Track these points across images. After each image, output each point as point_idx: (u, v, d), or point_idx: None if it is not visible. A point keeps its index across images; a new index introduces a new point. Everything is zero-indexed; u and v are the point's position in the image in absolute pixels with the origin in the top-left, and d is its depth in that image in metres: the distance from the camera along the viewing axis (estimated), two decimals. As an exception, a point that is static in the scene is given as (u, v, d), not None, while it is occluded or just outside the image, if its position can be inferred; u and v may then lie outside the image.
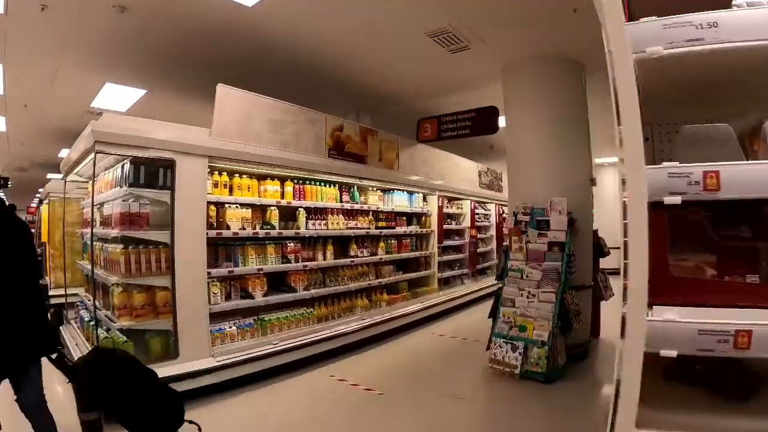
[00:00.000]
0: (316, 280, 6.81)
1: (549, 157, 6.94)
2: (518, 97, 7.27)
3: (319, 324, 6.61)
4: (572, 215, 6.55)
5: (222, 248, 6.02)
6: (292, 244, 6.43)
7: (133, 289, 4.96)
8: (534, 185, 6.93)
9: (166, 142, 4.97)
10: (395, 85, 8.25)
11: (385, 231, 8.17)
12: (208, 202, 5.49)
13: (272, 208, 6.31)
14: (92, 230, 5.48)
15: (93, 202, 5.56)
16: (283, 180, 6.51)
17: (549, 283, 6.33)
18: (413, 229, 9.07)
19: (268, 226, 6.22)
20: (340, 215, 7.25)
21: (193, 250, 5.15)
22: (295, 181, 6.64)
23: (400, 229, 8.65)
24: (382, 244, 8.14)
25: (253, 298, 5.94)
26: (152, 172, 5.00)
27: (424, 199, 9.69)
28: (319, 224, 6.87)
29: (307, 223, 6.71)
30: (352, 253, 7.52)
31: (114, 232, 4.93)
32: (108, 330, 5.16)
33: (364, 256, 7.70)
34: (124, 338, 4.95)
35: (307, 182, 6.80)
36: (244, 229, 5.91)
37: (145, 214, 4.95)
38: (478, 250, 11.88)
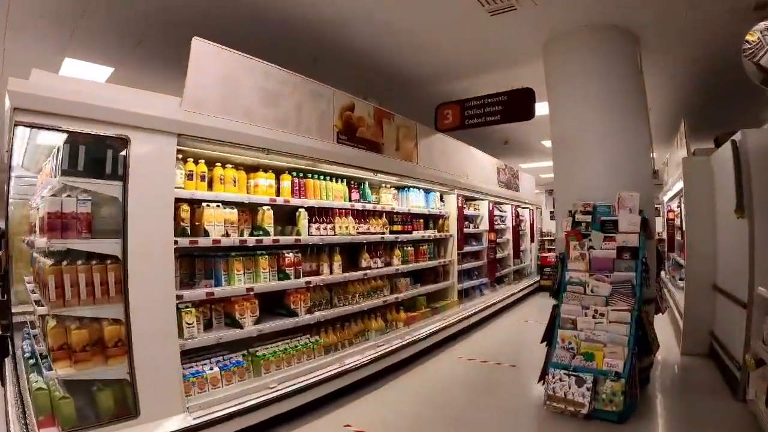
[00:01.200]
0: (321, 300, 5.33)
1: (608, 143, 5.65)
2: (567, 74, 5.97)
3: (327, 356, 5.13)
4: (644, 214, 5.20)
5: (200, 261, 4.57)
6: (291, 254, 4.96)
7: (71, 322, 3.47)
8: (592, 177, 5.60)
9: (117, 112, 3.48)
10: (411, 60, 6.85)
11: (400, 236, 6.71)
12: (179, 199, 4.03)
13: (265, 208, 4.83)
14: (29, 238, 4.00)
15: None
16: (278, 172, 5.04)
17: (621, 298, 4.98)
18: (431, 233, 7.61)
19: (260, 232, 4.74)
20: (350, 217, 5.79)
21: (155, 266, 3.66)
22: (294, 174, 5.18)
23: (418, 234, 7.20)
24: (397, 252, 6.68)
25: (241, 327, 4.45)
26: (96, 155, 3.52)
27: (441, 198, 8.26)
28: (325, 229, 5.40)
29: (309, 227, 5.25)
30: (364, 263, 6.06)
31: (41, 241, 3.44)
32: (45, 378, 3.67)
33: (377, 267, 6.24)
34: (61, 393, 3.46)
35: (310, 176, 5.36)
36: (227, 235, 4.42)
37: (85, 214, 3.44)
38: (497, 256, 10.47)
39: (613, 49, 5.72)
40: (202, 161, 4.34)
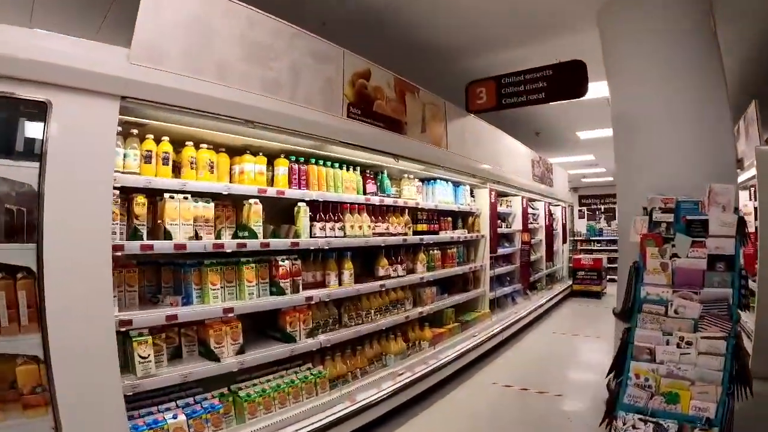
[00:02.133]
0: (327, 319, 4.23)
1: (684, 122, 4.47)
2: (631, 37, 4.79)
3: (333, 391, 4.02)
4: (739, 212, 4.04)
5: (167, 271, 3.54)
6: (286, 261, 3.85)
7: (-35, 360, 2.43)
8: (666, 165, 4.48)
9: (33, 66, 2.40)
10: (438, 26, 5.73)
11: (426, 237, 5.58)
12: (131, 189, 3.04)
13: (252, 202, 3.74)
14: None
15: None
16: (272, 157, 3.96)
17: (713, 321, 3.80)
18: (460, 234, 6.46)
19: (245, 233, 3.64)
20: (364, 214, 4.69)
21: (85, 281, 2.58)
22: (293, 159, 4.10)
23: (446, 235, 6.06)
24: (422, 256, 5.55)
25: (218, 359, 3.37)
26: (1, 126, 2.46)
27: (471, 193, 7.12)
28: (332, 229, 4.29)
29: (312, 227, 4.15)
30: (381, 272, 4.93)
31: None
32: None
33: (398, 276, 5.12)
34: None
35: (313, 161, 4.27)
36: (197, 237, 3.35)
37: (-23, 209, 2.40)
38: (531, 259, 9.29)
39: (684, 9, 4.55)
40: (166, 139, 3.27)
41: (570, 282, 12.82)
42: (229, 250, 3.48)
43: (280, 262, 3.80)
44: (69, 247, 2.50)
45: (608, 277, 12.93)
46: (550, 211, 11.18)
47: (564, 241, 13.20)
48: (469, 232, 6.77)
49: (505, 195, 8.78)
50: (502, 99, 5.84)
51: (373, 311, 4.69)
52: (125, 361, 2.95)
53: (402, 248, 5.27)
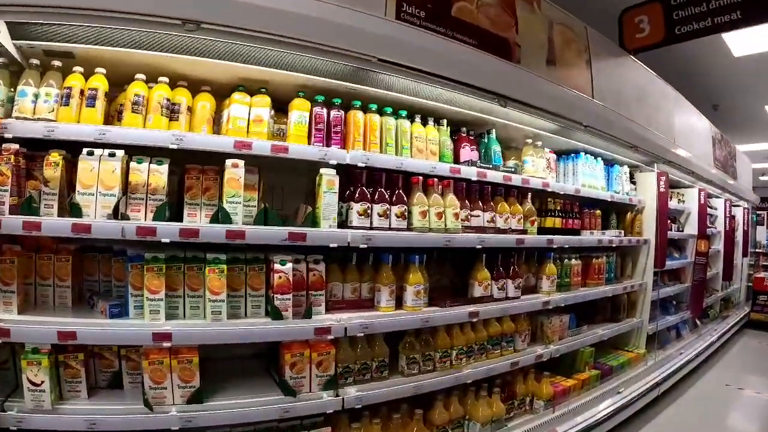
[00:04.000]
0: (367, 362, 2.50)
1: None
2: None
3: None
4: None
5: (119, 265, 2.17)
6: (287, 265, 2.21)
7: None
8: None
9: None
10: None
11: (558, 239, 3.58)
12: (35, 144, 2.04)
13: (229, 164, 2.16)
14: None
15: None
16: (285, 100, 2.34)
17: None
18: (614, 236, 4.31)
19: (220, 216, 2.05)
20: (450, 196, 2.86)
21: None
22: (320, 100, 2.45)
23: (592, 236, 4.01)
24: (550, 267, 3.56)
25: (150, 407, 1.92)
26: None
27: (632, 178, 4.93)
28: (385, 215, 2.53)
29: (347, 211, 2.46)
30: (477, 290, 3.06)
31: None
32: None
33: (505, 298, 3.23)
34: None
35: (357, 105, 2.58)
36: (118, 216, 1.92)
37: None
38: (707, 277, 6.74)
39: None
40: (101, 72, 2.08)
41: (747, 309, 9.82)
42: (165, 240, 1.89)
43: (277, 266, 2.13)
44: None
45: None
46: (731, 211, 8.36)
47: (744, 254, 10.10)
48: (625, 234, 4.63)
49: (677, 186, 6.37)
50: (675, 27, 4.04)
51: (455, 352, 2.86)
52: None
53: (515, 253, 3.34)
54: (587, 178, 4.02)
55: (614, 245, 4.31)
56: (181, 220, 2.08)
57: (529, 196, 3.47)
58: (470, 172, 2.97)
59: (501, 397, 3.15)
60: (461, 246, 2.90)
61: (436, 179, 2.81)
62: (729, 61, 6.42)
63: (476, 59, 2.84)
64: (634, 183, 4.90)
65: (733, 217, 8.51)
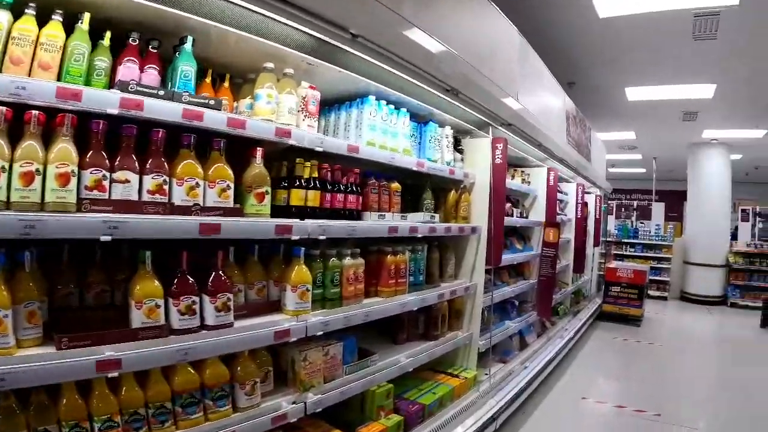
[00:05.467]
0: None
1: None
2: None
3: None
4: None
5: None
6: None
7: None
8: None
9: None
10: None
11: (306, 225, 2.26)
12: None
13: None
14: None
15: None
16: None
17: None
18: (424, 222, 3.09)
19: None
20: (59, 146, 1.43)
21: None
22: None
23: (381, 222, 2.76)
24: (299, 271, 2.23)
25: None
26: None
27: (457, 144, 3.78)
28: None
29: None
30: (137, 317, 1.67)
31: None
32: None
33: (195, 330, 1.84)
34: None
35: None
36: None
37: None
38: (556, 271, 5.91)
39: None
40: None
41: (599, 301, 9.49)
42: None
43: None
44: None
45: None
46: (583, 198, 7.78)
47: (596, 243, 9.77)
48: (446, 219, 3.49)
49: (522, 166, 5.47)
50: None
51: (99, 425, 1.45)
52: None
53: (222, 250, 1.99)
54: (378, 135, 2.79)
55: (424, 235, 3.11)
56: None
57: (260, 154, 2.11)
58: (103, 100, 1.55)
59: None
60: (67, 236, 1.48)
61: (35, 113, 1.37)
62: (592, 24, 5.64)
63: None
64: (461, 152, 3.77)
65: (585, 204, 7.95)
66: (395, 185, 2.95)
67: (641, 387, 5.58)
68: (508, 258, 4.50)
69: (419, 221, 3.03)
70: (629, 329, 8.82)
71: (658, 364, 6.65)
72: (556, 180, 5.58)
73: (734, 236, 13.05)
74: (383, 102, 2.90)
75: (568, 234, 7.35)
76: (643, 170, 17.63)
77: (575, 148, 6.61)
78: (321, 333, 2.33)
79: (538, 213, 5.52)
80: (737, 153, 13.03)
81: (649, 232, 14.11)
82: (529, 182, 5.48)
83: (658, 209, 14.73)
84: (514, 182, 4.81)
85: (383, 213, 2.79)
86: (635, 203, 19.55)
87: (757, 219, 13.44)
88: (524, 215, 5.25)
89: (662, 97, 8.55)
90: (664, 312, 11.12)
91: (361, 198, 2.71)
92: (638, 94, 8.46)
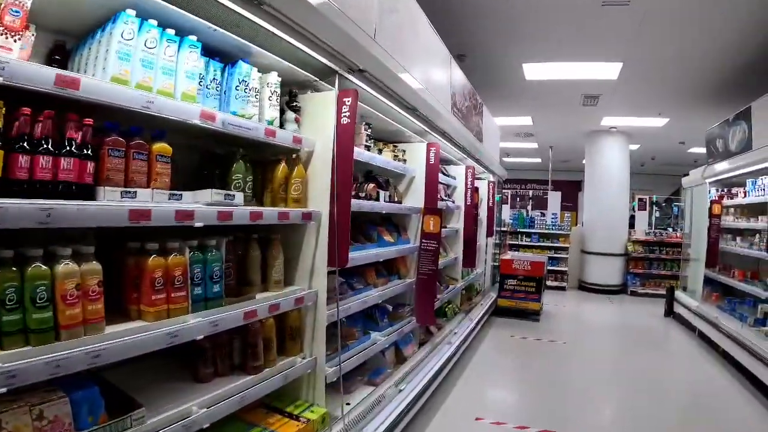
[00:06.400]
0: None
1: None
2: None
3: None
4: None
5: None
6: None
7: None
8: None
9: None
10: None
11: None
12: None
13: None
14: None
15: None
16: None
17: None
18: (209, 206, 2.10)
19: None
20: None
21: None
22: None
23: (106, 207, 1.73)
24: None
25: None
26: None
27: (291, 101, 2.82)
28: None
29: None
30: None
31: None
32: None
33: None
34: None
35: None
36: None
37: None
38: (440, 267, 5.11)
39: None
40: None
41: (494, 295, 8.97)
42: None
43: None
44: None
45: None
46: (473, 183, 7.12)
47: (490, 234, 9.23)
48: (274, 204, 2.54)
49: (394, 141, 4.62)
50: None
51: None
52: None
53: None
54: (137, 68, 1.83)
55: (227, 224, 2.11)
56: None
57: None
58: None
59: None
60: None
61: None
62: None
63: None
64: (297, 110, 2.81)
65: (476, 190, 7.30)
66: (160, 146, 1.92)
67: (545, 399, 4.96)
68: (371, 254, 3.61)
69: (203, 203, 2.02)
70: (528, 325, 8.36)
71: (562, 367, 6.11)
72: (437, 158, 4.78)
73: (631, 225, 13.22)
74: (152, 22, 1.88)
75: (457, 223, 6.66)
76: (539, 160, 17.69)
77: (462, 122, 5.85)
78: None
79: (416, 198, 4.71)
80: (635, 143, 13.21)
81: (546, 222, 13.99)
82: (404, 160, 4.64)
83: (554, 198, 14.72)
84: (381, 157, 3.92)
85: (131, 189, 1.76)
86: (531, 192, 19.73)
87: (654, 208, 13.78)
88: (397, 200, 4.40)
89: (563, 77, 8.08)
90: (564, 303, 10.91)
91: (93, 164, 1.68)
92: (537, 71, 7.91)
